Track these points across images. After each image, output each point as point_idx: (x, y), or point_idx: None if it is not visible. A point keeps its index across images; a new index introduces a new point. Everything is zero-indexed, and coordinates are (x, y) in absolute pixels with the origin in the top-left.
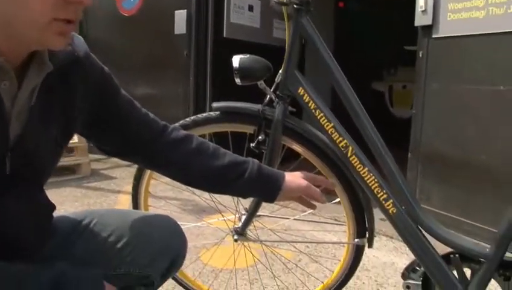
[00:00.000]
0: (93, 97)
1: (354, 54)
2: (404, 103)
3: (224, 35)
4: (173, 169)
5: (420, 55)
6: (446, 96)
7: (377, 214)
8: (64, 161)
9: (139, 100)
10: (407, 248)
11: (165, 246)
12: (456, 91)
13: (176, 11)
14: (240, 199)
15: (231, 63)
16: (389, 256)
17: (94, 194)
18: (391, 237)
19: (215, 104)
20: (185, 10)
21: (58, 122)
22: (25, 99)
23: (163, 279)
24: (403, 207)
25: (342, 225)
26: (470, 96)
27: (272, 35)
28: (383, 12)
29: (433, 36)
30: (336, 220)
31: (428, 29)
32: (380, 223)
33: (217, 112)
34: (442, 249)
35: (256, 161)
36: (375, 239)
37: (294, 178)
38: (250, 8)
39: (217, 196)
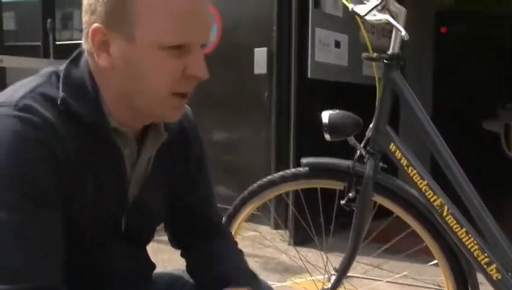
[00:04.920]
0: (186, 176)
1: (459, 87)
2: None
3: (309, 76)
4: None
5: None
6: None
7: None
8: None
9: (215, 145)
10: None
11: None
12: None
13: (256, 49)
14: (329, 257)
15: (316, 105)
16: None
17: (167, 248)
18: None
19: (304, 160)
20: (266, 48)
21: (164, 191)
22: (143, 166)
23: None
24: (510, 274)
25: None
26: None
27: (362, 73)
28: (494, 36)
29: None
30: (437, 285)
31: None
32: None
33: (306, 168)
34: None
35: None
36: None
37: None
38: (337, 44)
39: (303, 253)
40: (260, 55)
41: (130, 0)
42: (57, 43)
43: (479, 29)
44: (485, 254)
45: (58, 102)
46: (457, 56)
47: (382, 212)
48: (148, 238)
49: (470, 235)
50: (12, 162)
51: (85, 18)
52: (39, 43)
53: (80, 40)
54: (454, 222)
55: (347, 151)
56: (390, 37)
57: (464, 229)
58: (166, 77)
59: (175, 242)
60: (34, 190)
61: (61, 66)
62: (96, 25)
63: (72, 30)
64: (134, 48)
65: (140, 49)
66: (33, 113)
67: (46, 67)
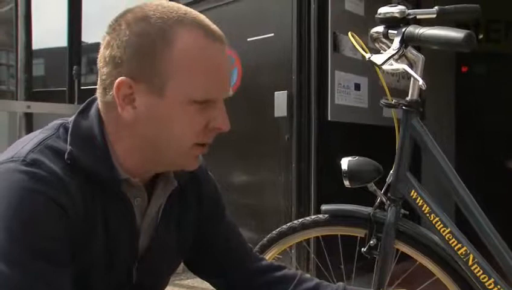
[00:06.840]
0: (203, 219)
1: (482, 127)
2: None
3: (329, 118)
4: None
5: None
6: None
7: None
8: None
9: (236, 188)
10: None
11: None
12: None
13: (276, 93)
14: None
15: (337, 147)
16: None
17: None
18: None
19: (324, 207)
20: (286, 91)
21: (176, 239)
22: (153, 214)
23: None
24: None
25: None
26: None
27: (382, 115)
28: None
29: None
30: None
31: None
32: None
33: (326, 215)
34: None
35: (342, 284)
36: None
37: None
38: (357, 87)
39: None
40: (280, 98)
41: (162, 57)
42: (82, 88)
43: (500, 68)
44: None
45: (65, 156)
46: (478, 95)
47: (408, 255)
48: (161, 288)
49: (498, 286)
50: (20, 218)
51: (105, 69)
52: (65, 88)
53: None
54: (481, 271)
55: (370, 193)
56: (409, 78)
57: (492, 280)
58: (191, 130)
59: (213, 279)
60: (43, 246)
61: (70, 118)
62: (122, 78)
63: (97, 74)
64: (162, 102)
65: (169, 104)
66: (41, 168)
67: (56, 120)
